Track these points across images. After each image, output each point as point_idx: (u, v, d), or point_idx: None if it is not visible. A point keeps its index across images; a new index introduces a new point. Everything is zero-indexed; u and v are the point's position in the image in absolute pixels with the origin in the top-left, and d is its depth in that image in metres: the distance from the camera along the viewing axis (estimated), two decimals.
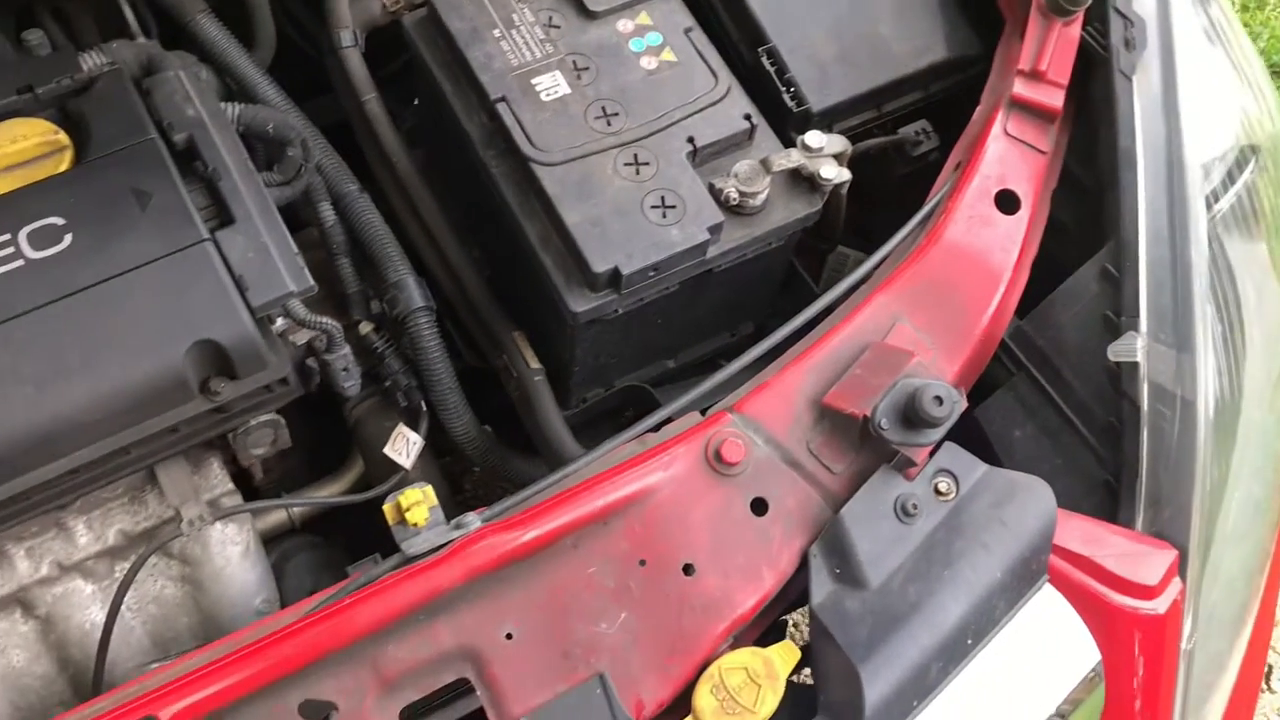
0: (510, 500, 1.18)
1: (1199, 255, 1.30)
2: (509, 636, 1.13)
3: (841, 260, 1.74)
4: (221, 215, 1.35)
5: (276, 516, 1.61)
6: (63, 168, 1.35)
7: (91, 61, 1.45)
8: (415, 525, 1.13)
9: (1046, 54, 1.39)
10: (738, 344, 1.73)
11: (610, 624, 1.14)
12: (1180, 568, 1.23)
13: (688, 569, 1.17)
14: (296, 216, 1.63)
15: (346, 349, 1.43)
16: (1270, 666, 2.54)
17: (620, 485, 1.17)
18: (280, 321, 1.43)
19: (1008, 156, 1.38)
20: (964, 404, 1.19)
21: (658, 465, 1.19)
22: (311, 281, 1.33)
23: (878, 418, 1.19)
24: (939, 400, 1.16)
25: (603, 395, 1.65)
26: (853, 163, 1.52)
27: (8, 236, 1.29)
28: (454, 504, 1.61)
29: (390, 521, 1.14)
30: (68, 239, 1.30)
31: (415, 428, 1.52)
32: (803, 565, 1.19)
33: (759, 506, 1.21)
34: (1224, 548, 1.32)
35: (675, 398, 1.31)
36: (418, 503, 1.12)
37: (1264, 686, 2.52)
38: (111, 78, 1.42)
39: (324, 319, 1.39)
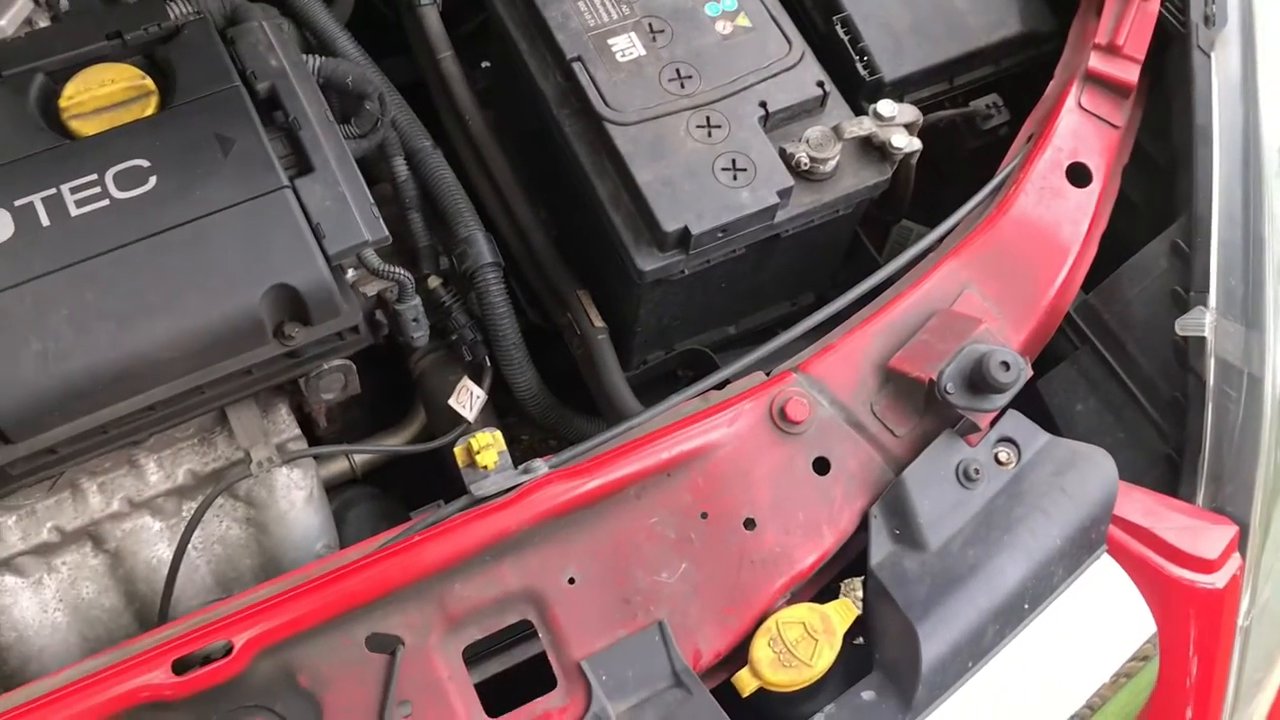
0: (577, 449, 1.20)
1: (1273, 233, 1.30)
2: (571, 581, 1.15)
3: (905, 233, 1.74)
4: (301, 164, 1.38)
5: (339, 465, 1.64)
6: (149, 112, 1.38)
7: (178, 10, 1.47)
8: (485, 468, 1.15)
9: (1124, 28, 1.38)
10: (797, 314, 1.74)
11: (671, 574, 1.16)
12: (1240, 544, 1.23)
13: (749, 523, 1.19)
14: (370, 171, 1.66)
15: (417, 299, 1.46)
16: None
17: (685, 439, 1.19)
18: (352, 272, 1.45)
19: (1081, 130, 1.38)
20: (1030, 372, 1.20)
21: (722, 421, 1.21)
22: (386, 232, 1.36)
23: (944, 381, 1.20)
24: (1005, 366, 1.17)
25: (664, 358, 1.67)
26: (922, 134, 1.52)
27: (94, 177, 1.32)
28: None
29: (460, 464, 1.16)
30: (152, 181, 1.33)
31: (479, 382, 1.55)
32: (863, 525, 1.21)
33: (821, 466, 1.22)
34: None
35: (735, 363, 1.32)
36: (488, 446, 1.15)
37: None
38: (197, 26, 1.45)
39: (397, 269, 1.41)
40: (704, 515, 1.18)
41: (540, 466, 1.16)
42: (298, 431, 1.51)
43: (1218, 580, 1.21)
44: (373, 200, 1.39)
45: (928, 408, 1.24)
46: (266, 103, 1.41)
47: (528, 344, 1.66)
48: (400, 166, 1.56)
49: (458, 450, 1.16)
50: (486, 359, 1.56)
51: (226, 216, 1.32)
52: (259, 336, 1.34)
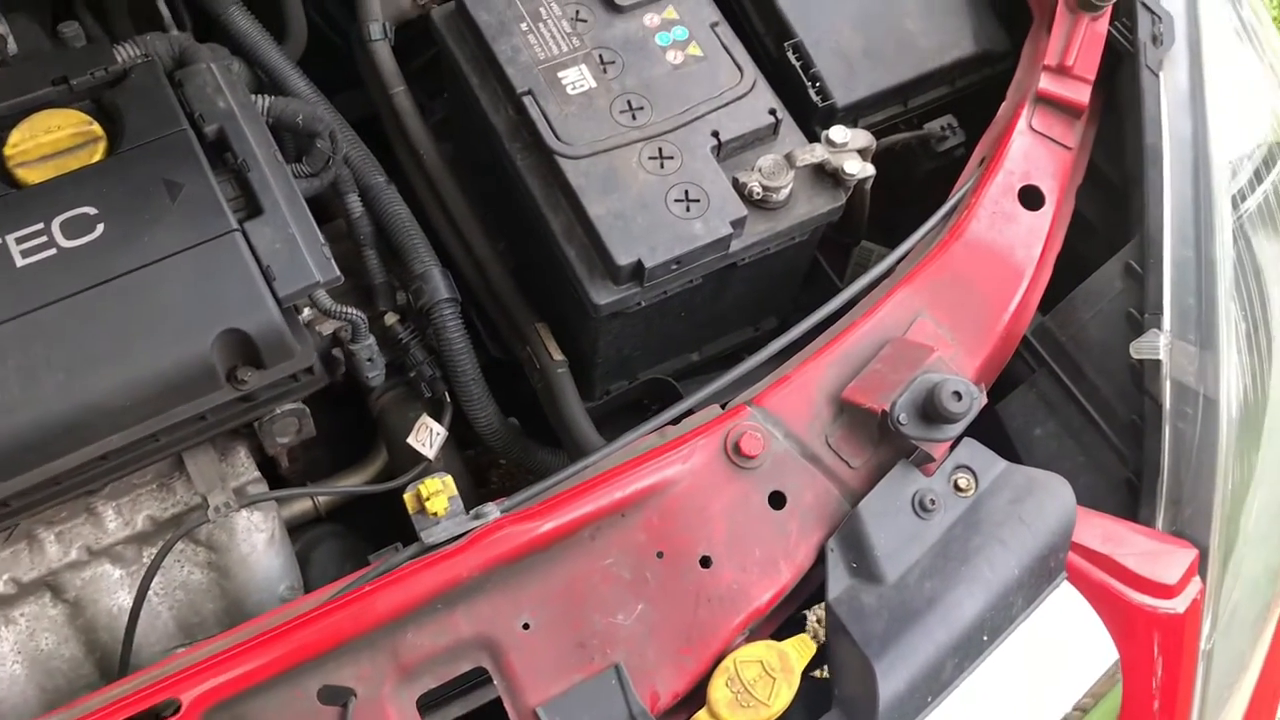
0: (529, 491, 1.19)
1: (1224, 254, 1.29)
2: (526, 626, 1.14)
3: (866, 254, 1.73)
4: (250, 206, 1.37)
5: (301, 505, 1.63)
6: (96, 158, 1.37)
7: (125, 54, 1.47)
8: (435, 514, 1.14)
9: (1074, 49, 1.38)
10: (761, 338, 1.74)
11: (627, 615, 1.15)
12: (1200, 567, 1.22)
13: (705, 561, 1.18)
14: (325, 208, 1.66)
15: (371, 339, 1.45)
16: None
17: (638, 477, 1.18)
18: (307, 311, 1.44)
19: (1032, 152, 1.37)
20: (983, 400, 1.19)
21: (676, 458, 1.20)
22: (337, 272, 1.35)
23: (896, 412, 1.19)
24: (958, 395, 1.16)
25: (626, 387, 1.66)
26: (878, 158, 1.52)
27: (41, 226, 1.31)
28: (476, 497, 1.61)
29: (410, 510, 1.15)
30: (100, 228, 1.32)
31: (439, 419, 1.54)
32: (820, 559, 1.20)
33: (777, 500, 1.21)
34: (1246, 548, 1.31)
35: (698, 391, 1.31)
36: (437, 492, 1.13)
37: None
38: (145, 70, 1.44)
39: (349, 309, 1.40)
40: (660, 554, 1.17)
41: (492, 511, 1.15)
42: (257, 474, 1.50)
43: (1178, 605, 1.21)
44: (324, 240, 1.38)
45: (882, 438, 1.23)
46: (215, 145, 1.40)
47: (492, 374, 1.65)
48: (354, 203, 1.56)
49: (407, 497, 1.15)
50: (446, 395, 1.55)
51: (175, 262, 1.31)
52: (212, 382, 1.33)
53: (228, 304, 1.31)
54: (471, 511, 1.15)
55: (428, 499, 1.13)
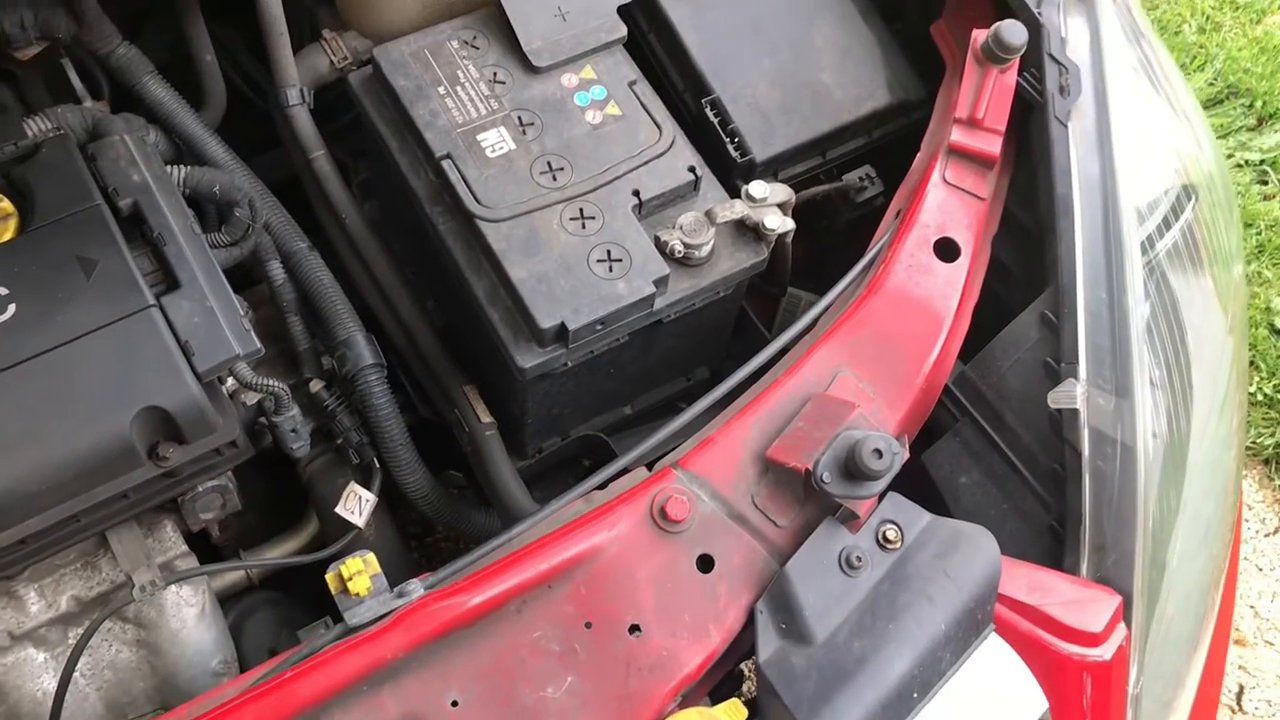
0: (454, 565, 1.18)
1: (1135, 301, 1.32)
2: (455, 704, 1.12)
3: (795, 302, 1.74)
4: (167, 280, 1.35)
5: (234, 574, 1.60)
6: (7, 236, 1.35)
7: (36, 127, 1.45)
8: (358, 595, 1.12)
9: (983, 101, 1.40)
10: (693, 388, 1.74)
11: (557, 688, 1.14)
12: (1125, 614, 1.24)
13: (634, 629, 1.17)
14: (249, 273, 1.64)
15: (294, 410, 1.43)
16: (1241, 686, 2.55)
17: (564, 547, 1.17)
18: (231, 381, 1.43)
19: (947, 204, 1.39)
20: (905, 455, 1.20)
21: (602, 525, 1.20)
22: (258, 344, 1.33)
23: (819, 471, 1.19)
24: (878, 453, 1.17)
25: (559, 445, 1.66)
26: (799, 209, 1.53)
27: None
28: (410, 563, 1.61)
29: (333, 591, 1.14)
30: (11, 309, 1.30)
31: (368, 484, 1.52)
32: (750, 621, 1.20)
33: (705, 563, 1.21)
34: (1171, 590, 1.33)
35: (631, 446, 1.31)
36: (359, 572, 1.12)
37: (1236, 707, 2.53)
38: (56, 144, 1.42)
39: (270, 382, 1.39)
40: (588, 625, 1.17)
41: (416, 588, 1.14)
42: (184, 548, 1.48)
43: (1105, 652, 1.22)
44: (245, 310, 1.37)
45: (808, 496, 1.23)
46: (130, 219, 1.38)
47: (428, 430, 1.64)
48: (276, 270, 1.54)
49: (329, 578, 1.14)
50: (374, 460, 1.54)
51: (91, 341, 1.29)
52: (132, 460, 1.31)
53: (146, 381, 1.29)
54: (395, 589, 1.14)
55: (350, 579, 1.12)
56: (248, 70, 1.83)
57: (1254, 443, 2.80)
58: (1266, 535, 2.73)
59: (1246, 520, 2.74)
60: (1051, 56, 1.41)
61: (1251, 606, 2.63)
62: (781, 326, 1.75)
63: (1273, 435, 2.79)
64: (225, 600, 1.60)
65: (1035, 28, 1.43)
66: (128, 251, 1.34)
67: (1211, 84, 3.36)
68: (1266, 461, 2.80)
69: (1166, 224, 1.43)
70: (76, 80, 1.56)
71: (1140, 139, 1.43)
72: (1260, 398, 2.84)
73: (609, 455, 1.61)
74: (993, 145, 1.41)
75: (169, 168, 1.46)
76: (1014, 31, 1.38)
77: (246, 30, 1.73)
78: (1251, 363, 2.88)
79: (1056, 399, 1.28)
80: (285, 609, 1.65)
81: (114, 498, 1.32)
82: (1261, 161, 3.23)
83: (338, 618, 1.17)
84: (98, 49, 1.54)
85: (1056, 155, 1.36)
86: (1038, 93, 1.42)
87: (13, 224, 1.36)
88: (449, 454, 1.67)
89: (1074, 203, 1.34)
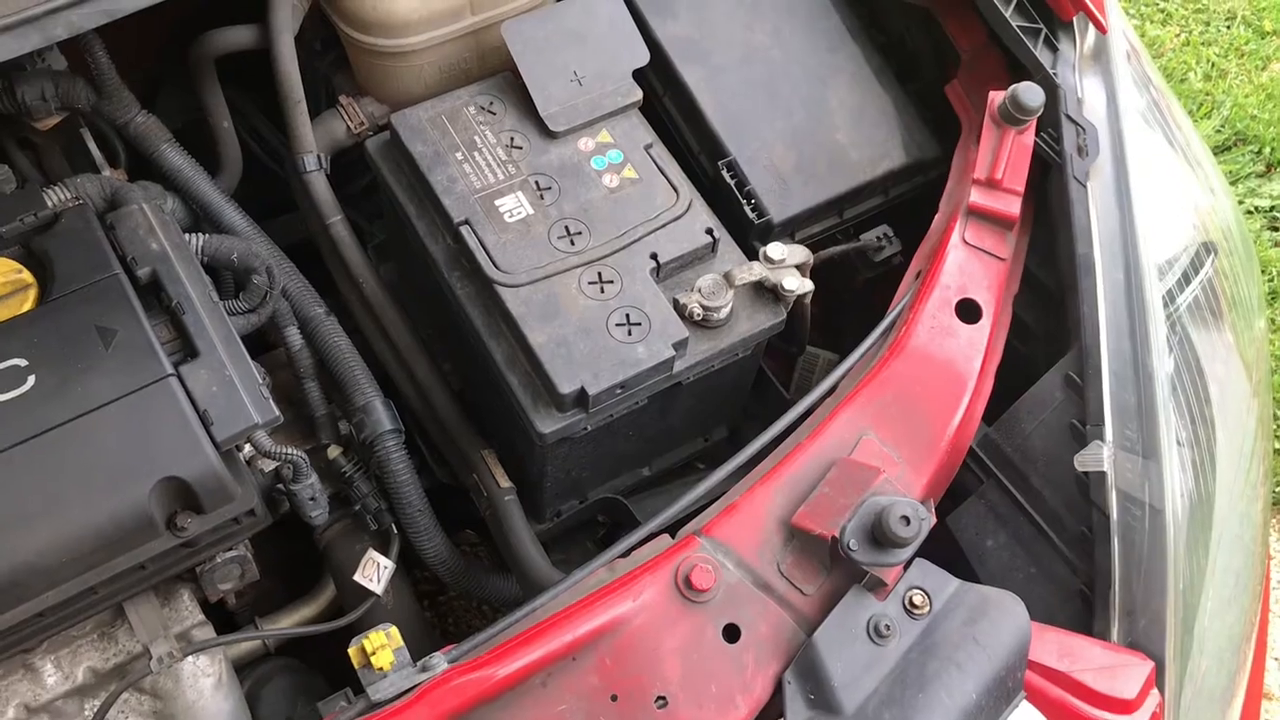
0: (478, 638, 1.16)
1: (1160, 361, 1.31)
2: None
3: (812, 361, 1.74)
4: (186, 349, 1.35)
5: (250, 643, 1.59)
6: (26, 307, 1.35)
7: (56, 197, 1.45)
8: (381, 669, 1.11)
9: (1002, 162, 1.40)
10: (712, 448, 1.73)
11: None
12: (1158, 679, 1.22)
13: (660, 701, 1.16)
14: (265, 337, 1.64)
15: (313, 478, 1.42)
16: None
17: (588, 619, 1.16)
18: (248, 448, 1.42)
19: (967, 265, 1.39)
20: (932, 520, 1.19)
21: (627, 595, 1.18)
22: (276, 412, 1.33)
23: (846, 538, 1.18)
24: (906, 520, 1.15)
25: (577, 507, 1.64)
26: (817, 269, 1.53)
27: None
28: (429, 634, 1.59)
29: (356, 665, 1.12)
30: (30, 380, 1.29)
31: (386, 550, 1.51)
32: (777, 691, 1.18)
33: (731, 633, 1.19)
34: (1202, 653, 1.31)
35: (650, 508, 1.30)
36: (383, 646, 1.11)
37: None
38: (75, 213, 1.42)
39: (289, 450, 1.38)
40: (614, 697, 1.15)
41: (439, 662, 1.13)
42: (201, 618, 1.46)
43: (1139, 719, 1.20)
44: (263, 378, 1.36)
45: (834, 563, 1.22)
46: (149, 288, 1.38)
47: (447, 493, 1.63)
48: (294, 336, 1.54)
49: (352, 652, 1.12)
50: (393, 527, 1.53)
51: (109, 411, 1.29)
52: (150, 531, 1.30)
53: (164, 451, 1.28)
54: (419, 663, 1.13)
55: (373, 654, 1.11)
56: (264, 135, 1.84)
57: (1276, 492, 2.77)
58: None
59: (1273, 572, 2.71)
60: (1069, 117, 1.41)
61: (1276, 659, 2.60)
62: (800, 384, 1.75)
63: None
64: (242, 668, 1.59)
65: (1052, 89, 1.43)
66: (146, 321, 1.34)
67: (1219, 131, 3.37)
68: None
69: (1186, 280, 1.42)
70: (95, 150, 1.57)
71: (1159, 197, 1.43)
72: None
73: (628, 517, 1.60)
74: (1012, 206, 1.40)
75: (187, 236, 1.46)
76: (1031, 94, 1.39)
77: (262, 94, 1.74)
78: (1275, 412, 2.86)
79: (1083, 462, 1.27)
80: (302, 676, 1.63)
81: (132, 569, 1.31)
82: (1272, 208, 3.24)
83: (357, 686, 1.16)
84: (116, 118, 1.55)
85: (1076, 215, 1.36)
86: (1056, 153, 1.42)
87: (32, 294, 1.36)
88: (464, 513, 1.66)
89: (1095, 262, 1.34)
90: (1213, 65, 3.55)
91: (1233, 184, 3.27)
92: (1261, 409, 1.53)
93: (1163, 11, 3.71)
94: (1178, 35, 3.64)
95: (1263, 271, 3.08)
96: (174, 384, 1.30)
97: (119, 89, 1.54)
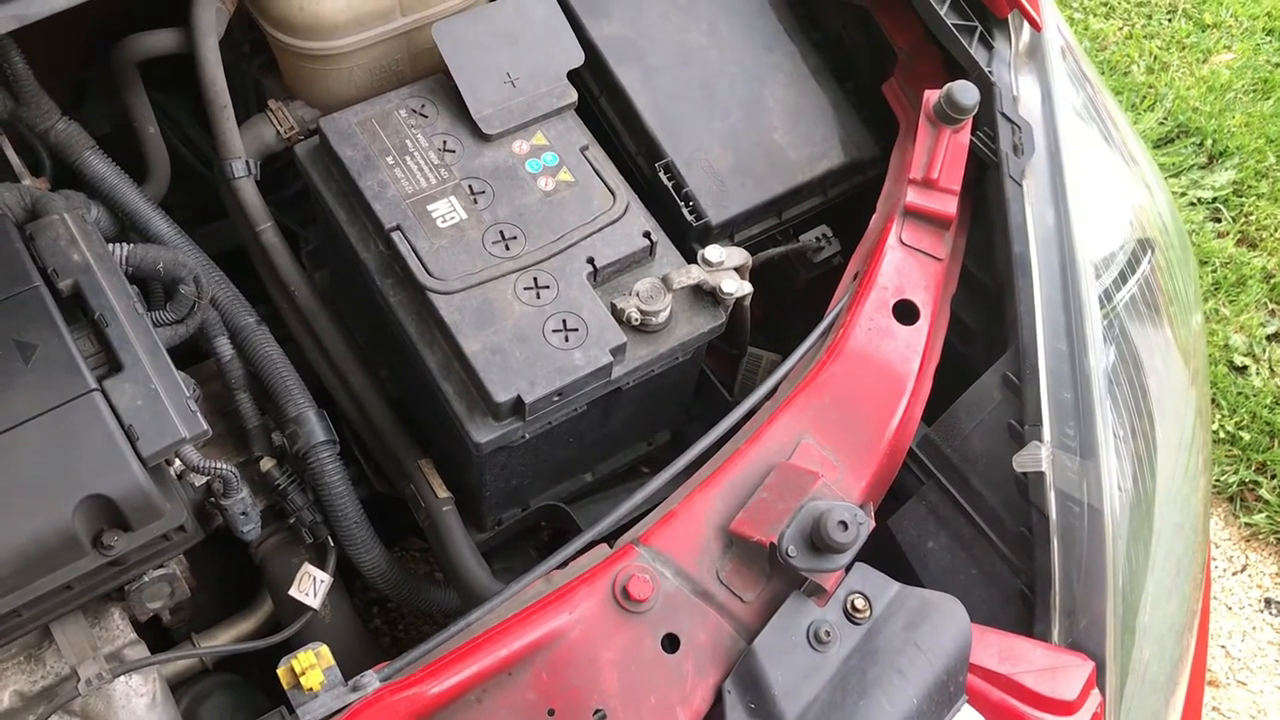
0: (411, 655, 1.14)
1: (1097, 360, 1.30)
2: None
3: (755, 362, 1.73)
4: (110, 362, 1.31)
5: (187, 660, 1.55)
6: None
7: None
8: (311, 690, 1.08)
9: (937, 162, 1.39)
10: (655, 452, 1.71)
11: None
12: (1098, 679, 1.22)
13: (599, 714, 1.14)
14: (197, 348, 1.60)
15: (244, 493, 1.39)
16: None
17: (524, 632, 1.14)
18: (179, 463, 1.38)
19: (904, 266, 1.38)
20: (871, 524, 1.18)
21: (563, 608, 1.16)
22: (204, 426, 1.29)
23: (785, 545, 1.17)
24: (844, 525, 1.14)
25: (519, 515, 1.62)
26: (757, 271, 1.52)
27: None
28: (369, 643, 1.56)
29: (285, 686, 1.10)
30: None
31: (323, 564, 1.48)
32: (718, 701, 1.16)
33: (670, 643, 1.18)
34: (1144, 647, 1.31)
35: (593, 514, 1.28)
36: (312, 666, 1.08)
37: None
38: None
39: (218, 464, 1.35)
40: (551, 712, 1.13)
41: (371, 681, 1.10)
42: (133, 636, 1.42)
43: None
44: (190, 392, 1.33)
45: (774, 570, 1.21)
46: (71, 300, 1.34)
47: (389, 502, 1.60)
48: (224, 347, 1.51)
49: (281, 672, 1.10)
50: (329, 539, 1.49)
51: (30, 428, 1.25)
52: (75, 550, 1.26)
53: (88, 468, 1.24)
54: (350, 682, 1.10)
55: (302, 674, 1.08)
56: (194, 139, 1.80)
57: (1218, 480, 2.80)
58: (1234, 573, 2.73)
59: (1214, 559, 2.74)
60: (1004, 115, 1.40)
61: (1222, 646, 2.62)
62: (742, 386, 1.73)
63: (1236, 473, 2.80)
64: (179, 685, 1.55)
65: (987, 87, 1.42)
66: (68, 334, 1.30)
67: (1162, 123, 3.40)
68: (1231, 499, 2.80)
69: (1125, 276, 1.42)
70: (14, 158, 1.52)
71: (1096, 194, 1.42)
72: (1222, 435, 2.85)
73: (570, 525, 1.58)
74: (948, 206, 1.40)
75: (111, 246, 1.42)
76: (966, 92, 1.38)
77: (192, 98, 1.70)
78: (1212, 400, 2.89)
79: (1021, 462, 1.27)
80: (242, 692, 1.60)
81: (57, 589, 1.28)
82: (1214, 199, 3.27)
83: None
84: (36, 125, 1.51)
85: (1012, 214, 1.36)
86: (992, 152, 1.41)
87: None
88: (411, 521, 1.63)
89: (1031, 261, 1.33)
90: (1155, 58, 3.57)
91: (1175, 176, 3.30)
92: (1199, 400, 1.53)
93: (1106, 5, 3.73)
94: (1120, 29, 3.67)
95: (1205, 263, 3.11)
96: (97, 399, 1.27)
97: (37, 95, 1.50)
